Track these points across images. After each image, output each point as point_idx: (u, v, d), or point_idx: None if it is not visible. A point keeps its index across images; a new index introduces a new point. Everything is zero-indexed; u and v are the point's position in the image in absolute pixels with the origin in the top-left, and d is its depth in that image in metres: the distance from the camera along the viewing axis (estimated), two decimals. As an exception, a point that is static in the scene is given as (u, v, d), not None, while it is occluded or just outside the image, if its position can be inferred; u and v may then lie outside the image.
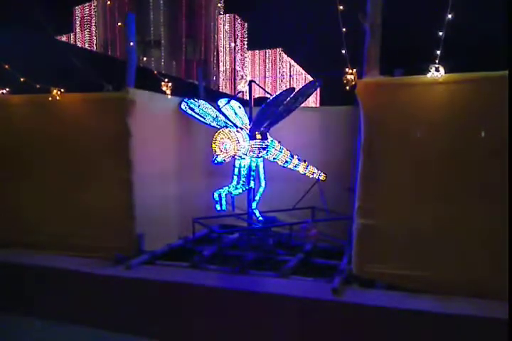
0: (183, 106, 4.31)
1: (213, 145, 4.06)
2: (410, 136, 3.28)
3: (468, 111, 3.13)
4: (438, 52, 3.07)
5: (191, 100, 4.34)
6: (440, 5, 3.00)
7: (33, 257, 4.11)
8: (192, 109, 4.33)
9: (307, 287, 3.39)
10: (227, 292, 3.41)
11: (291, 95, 3.97)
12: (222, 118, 4.40)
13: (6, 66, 4.17)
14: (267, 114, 4.08)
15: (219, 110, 4.44)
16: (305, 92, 4.09)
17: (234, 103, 4.69)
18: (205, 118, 4.34)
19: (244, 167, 4.39)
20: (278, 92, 3.92)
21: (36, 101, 4.36)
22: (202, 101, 4.39)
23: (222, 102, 4.61)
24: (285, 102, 4.02)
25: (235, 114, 4.59)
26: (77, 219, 4.24)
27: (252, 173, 4.45)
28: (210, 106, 4.42)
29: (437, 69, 3.06)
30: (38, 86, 4.18)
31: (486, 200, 3.10)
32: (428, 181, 3.26)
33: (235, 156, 4.19)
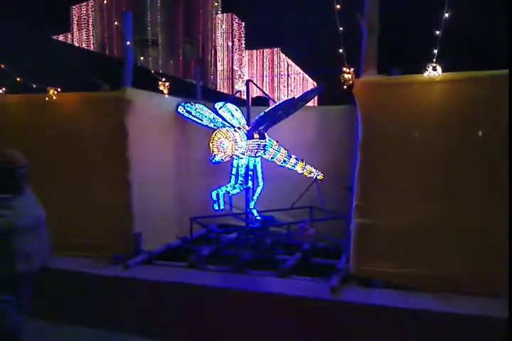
0: (180, 110, 4.33)
1: (211, 144, 4.05)
2: (408, 135, 3.28)
3: (466, 109, 3.13)
4: (435, 51, 3.07)
5: (188, 104, 4.35)
6: (438, 4, 2.99)
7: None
8: (189, 112, 4.34)
9: (305, 286, 3.39)
10: (225, 292, 3.41)
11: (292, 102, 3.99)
12: (219, 119, 4.41)
13: (2, 65, 4.15)
14: (265, 119, 4.11)
15: (216, 112, 4.47)
16: (306, 98, 4.12)
17: (230, 106, 4.70)
18: (202, 120, 4.35)
19: (242, 166, 4.38)
20: (278, 102, 3.93)
21: (33, 101, 4.33)
22: (198, 105, 4.40)
23: (218, 105, 4.65)
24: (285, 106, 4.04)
25: (232, 115, 4.61)
26: (75, 219, 4.21)
27: (250, 173, 4.44)
28: (206, 109, 4.42)
29: (434, 69, 3.06)
30: (34, 86, 4.16)
31: (484, 198, 3.10)
32: (425, 180, 3.26)
33: (233, 156, 4.18)
